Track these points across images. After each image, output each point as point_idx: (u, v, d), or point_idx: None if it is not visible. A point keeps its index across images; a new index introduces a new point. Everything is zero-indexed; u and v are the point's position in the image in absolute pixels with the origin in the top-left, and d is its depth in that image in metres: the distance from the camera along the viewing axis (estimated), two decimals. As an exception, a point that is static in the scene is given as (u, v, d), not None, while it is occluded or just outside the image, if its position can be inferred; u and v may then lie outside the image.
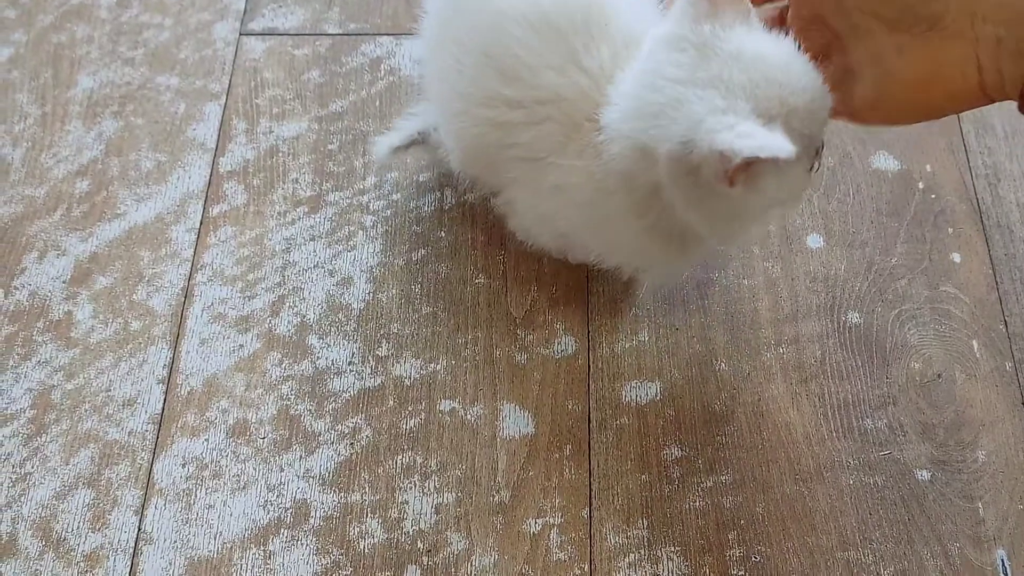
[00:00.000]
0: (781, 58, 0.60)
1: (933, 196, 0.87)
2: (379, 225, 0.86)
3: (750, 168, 0.58)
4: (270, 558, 0.72)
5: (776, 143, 0.56)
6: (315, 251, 0.85)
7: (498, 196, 0.77)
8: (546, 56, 0.66)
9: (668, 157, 0.61)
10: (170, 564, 0.72)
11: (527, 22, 0.66)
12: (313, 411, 0.78)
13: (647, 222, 0.67)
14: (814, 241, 0.85)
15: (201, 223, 0.86)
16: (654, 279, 0.80)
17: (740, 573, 0.72)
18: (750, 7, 0.62)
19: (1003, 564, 0.72)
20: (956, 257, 0.84)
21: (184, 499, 0.75)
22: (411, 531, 0.73)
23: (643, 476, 0.75)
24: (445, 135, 0.76)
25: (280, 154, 0.89)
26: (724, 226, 0.66)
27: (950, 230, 0.85)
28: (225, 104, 0.92)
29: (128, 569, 0.72)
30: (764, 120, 0.58)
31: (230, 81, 0.93)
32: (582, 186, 0.67)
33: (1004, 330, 0.81)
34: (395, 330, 0.81)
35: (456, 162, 0.76)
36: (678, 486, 0.75)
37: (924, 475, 0.75)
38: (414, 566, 0.72)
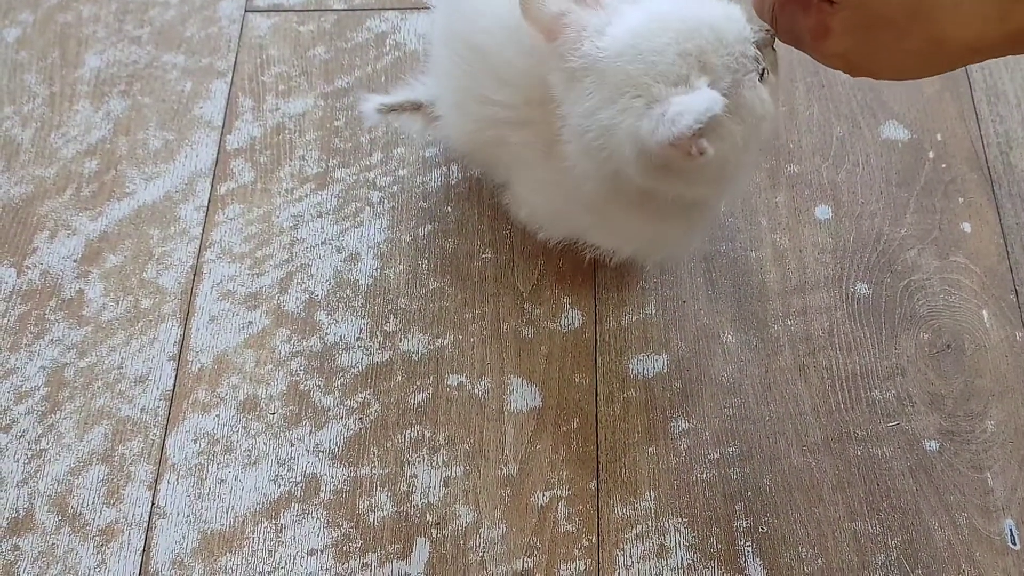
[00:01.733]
0: (655, 22, 0.59)
1: (944, 165, 0.86)
2: (386, 201, 0.86)
3: (704, 132, 0.57)
4: (281, 531, 0.73)
5: (702, 102, 0.55)
6: (322, 227, 0.85)
7: (502, 187, 0.77)
8: (534, 62, 0.65)
9: (638, 176, 0.61)
10: (184, 537, 0.73)
11: (522, 29, 0.66)
12: (322, 386, 0.78)
13: (649, 206, 0.67)
14: (822, 212, 0.84)
15: (209, 201, 0.86)
16: (668, 256, 0.79)
17: (747, 544, 0.72)
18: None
19: (1011, 533, 0.72)
20: (966, 227, 0.83)
21: (196, 474, 0.75)
22: (420, 504, 0.74)
23: (650, 448, 0.75)
24: (445, 119, 0.76)
25: (286, 131, 0.90)
26: (722, 180, 0.65)
27: (960, 199, 0.84)
28: (231, 82, 0.92)
29: (143, 543, 0.73)
30: (681, 86, 0.57)
31: (236, 58, 0.93)
32: (572, 183, 0.67)
33: (1015, 300, 0.80)
34: (402, 305, 0.81)
35: (456, 145, 0.76)
36: (685, 458, 0.75)
37: (932, 446, 0.75)
38: (423, 538, 0.73)
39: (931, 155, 0.86)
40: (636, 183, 0.63)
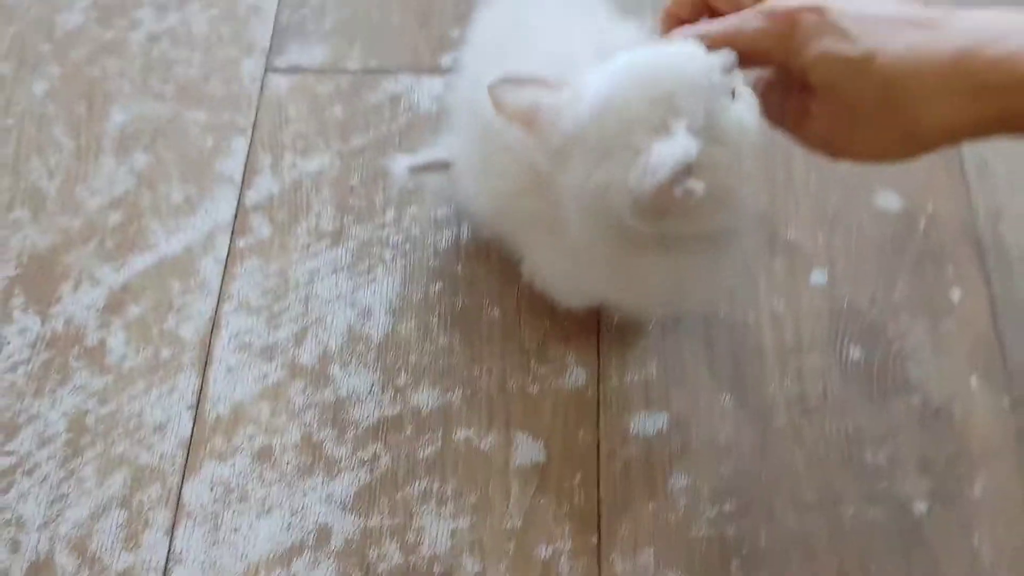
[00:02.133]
0: (618, 79, 0.62)
1: (935, 234, 0.90)
2: (398, 259, 0.89)
3: (688, 172, 0.58)
4: (293, 580, 0.76)
5: (675, 151, 0.57)
6: (337, 283, 0.88)
7: (522, 259, 0.79)
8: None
9: (643, 225, 0.63)
10: (198, 584, 0.76)
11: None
12: (335, 438, 0.81)
13: (670, 249, 0.68)
14: (818, 277, 0.88)
15: (228, 255, 0.90)
16: (701, 302, 0.81)
17: (742, 600, 0.75)
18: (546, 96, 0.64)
19: (997, 595, 0.74)
20: (956, 295, 0.87)
21: (212, 521, 0.78)
22: (427, 555, 0.76)
23: (650, 505, 0.78)
24: (462, 184, 0.79)
25: (303, 188, 0.93)
26: (729, 205, 0.65)
27: (951, 268, 0.88)
28: (251, 139, 0.96)
29: (158, 589, 0.76)
30: (663, 132, 0.59)
31: (256, 116, 0.97)
32: (585, 247, 0.70)
33: (1003, 366, 0.83)
34: (413, 360, 0.85)
35: (474, 209, 0.80)
36: (683, 515, 0.78)
37: (922, 508, 0.78)
38: (430, 589, 0.75)
39: (923, 224, 0.90)
40: (646, 232, 0.65)
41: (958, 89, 0.56)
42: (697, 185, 0.60)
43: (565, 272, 0.76)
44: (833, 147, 0.62)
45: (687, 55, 0.63)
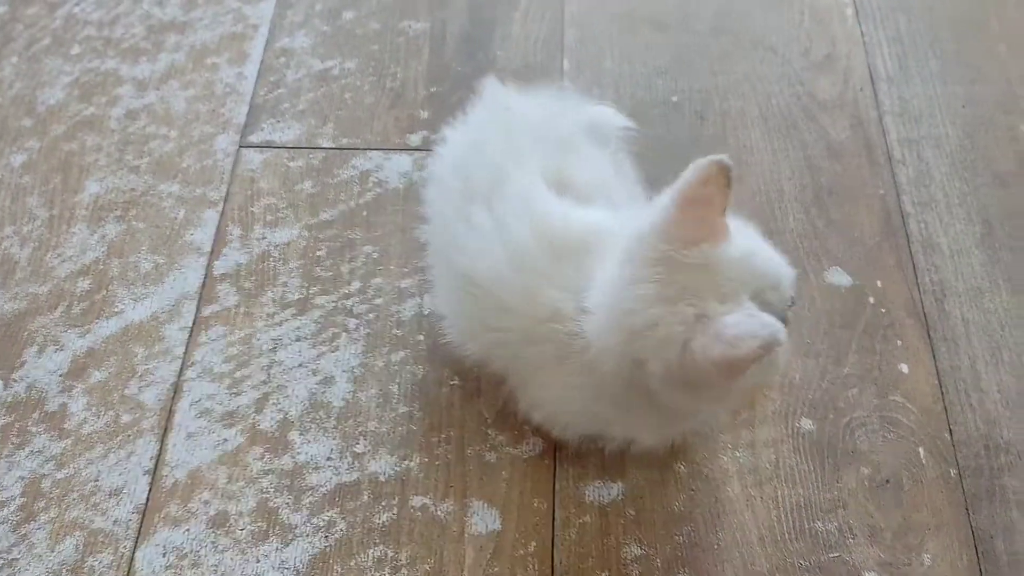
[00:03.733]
0: (744, 253, 0.66)
1: (883, 310, 0.92)
2: (362, 328, 0.91)
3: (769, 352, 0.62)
4: (243, 647, 0.75)
5: (770, 330, 0.60)
6: (300, 351, 0.90)
7: (520, 396, 0.81)
8: (527, 289, 0.72)
9: (658, 382, 0.67)
10: (146, 651, 0.75)
11: (508, 260, 0.73)
12: (291, 504, 0.82)
13: (656, 402, 0.71)
14: (771, 350, 0.90)
15: (194, 322, 0.91)
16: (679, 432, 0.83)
17: (695, 671, 0.74)
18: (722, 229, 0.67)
19: (948, 666, 0.75)
20: (904, 368, 0.89)
21: (163, 588, 0.78)
22: (380, 623, 0.76)
23: (604, 574, 0.78)
24: (455, 335, 0.81)
25: (271, 259, 0.95)
26: (727, 399, 0.73)
27: (899, 342, 0.90)
28: (222, 211, 0.98)
29: (105, 655, 0.75)
30: (730, 303, 0.64)
31: (228, 190, 1.00)
32: (586, 387, 0.73)
33: (949, 438, 0.85)
34: (372, 428, 0.85)
35: (470, 356, 0.81)
36: (637, 584, 0.78)
37: (873, 578, 0.78)
38: (381, 658, 0.75)
39: (871, 300, 0.93)
40: (650, 385, 0.68)
41: None
42: (775, 367, 0.66)
43: (569, 404, 0.77)
44: None
45: (788, 268, 0.69)
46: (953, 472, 0.83)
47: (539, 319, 0.72)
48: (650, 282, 0.66)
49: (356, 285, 0.94)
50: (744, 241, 0.67)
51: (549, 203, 0.75)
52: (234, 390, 0.87)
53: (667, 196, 0.66)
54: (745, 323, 0.62)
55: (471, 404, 0.87)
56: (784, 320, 0.67)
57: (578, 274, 0.72)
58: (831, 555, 0.79)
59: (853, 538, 0.80)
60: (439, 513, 0.81)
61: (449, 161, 0.82)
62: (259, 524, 0.81)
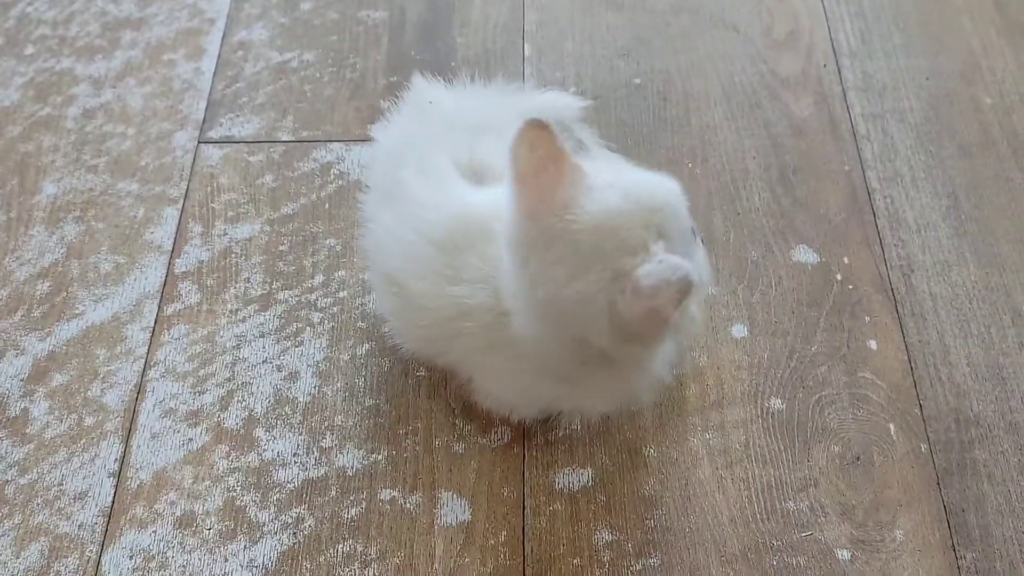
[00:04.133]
0: (628, 202, 0.63)
1: (851, 287, 0.92)
2: (326, 321, 0.90)
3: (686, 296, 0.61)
4: (212, 648, 0.74)
5: (680, 272, 0.59)
6: (264, 347, 0.89)
7: (472, 387, 0.81)
8: (441, 278, 0.71)
9: (609, 344, 0.65)
10: (114, 656, 0.74)
11: (418, 252, 0.72)
12: (258, 502, 0.81)
13: (616, 361, 0.71)
14: (738, 331, 0.89)
15: (156, 322, 0.90)
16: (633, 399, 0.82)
17: (668, 654, 0.74)
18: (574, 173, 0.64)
19: (921, 641, 0.74)
20: (873, 344, 0.88)
21: (130, 591, 0.77)
22: (350, 619, 0.75)
23: (575, 560, 0.78)
24: (394, 333, 0.81)
25: (233, 255, 0.94)
26: (668, 337, 0.72)
27: (867, 319, 0.90)
28: (182, 208, 0.97)
29: (72, 662, 0.74)
30: (641, 253, 0.62)
31: (188, 186, 0.99)
32: (526, 370, 0.72)
33: (919, 413, 0.85)
34: (339, 422, 0.85)
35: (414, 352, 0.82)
36: (609, 570, 0.77)
37: (845, 555, 0.78)
38: (352, 653, 0.74)
39: (839, 277, 0.92)
40: (600, 348, 0.67)
41: None
42: (694, 310, 0.65)
43: (517, 389, 0.77)
44: None
45: (677, 192, 0.66)
46: (924, 447, 0.83)
47: (451, 317, 0.71)
48: (553, 263, 0.64)
49: (319, 279, 0.92)
50: (611, 183, 0.64)
51: (449, 194, 0.73)
52: (198, 389, 0.86)
53: (507, 179, 0.64)
54: (656, 272, 0.60)
55: (438, 395, 0.86)
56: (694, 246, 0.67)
57: (484, 262, 0.70)
58: (803, 534, 0.79)
59: (825, 516, 0.80)
60: (408, 505, 0.80)
61: (376, 161, 0.82)
62: (226, 523, 0.80)
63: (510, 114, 0.79)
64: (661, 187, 0.66)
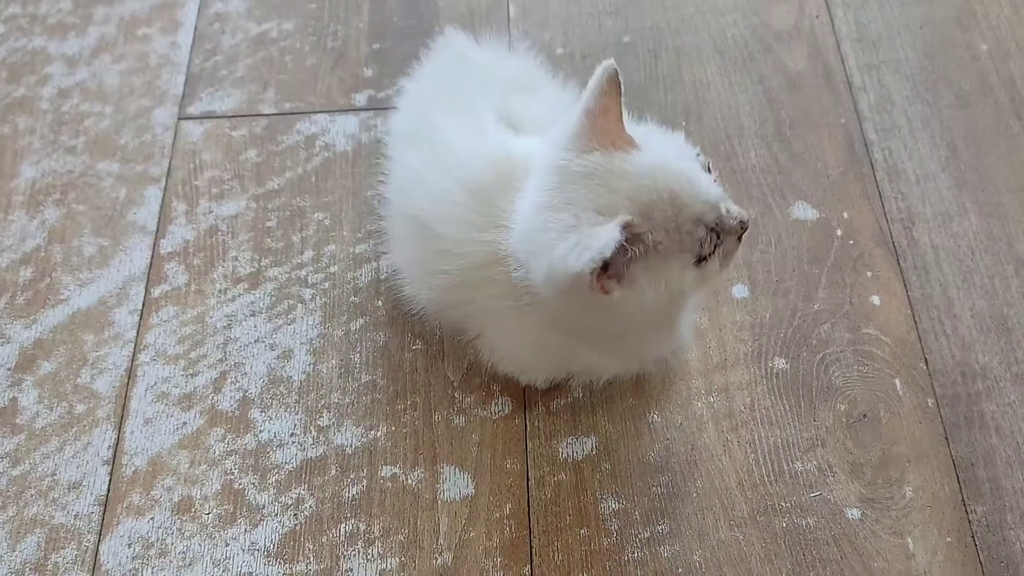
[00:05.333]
0: (639, 167, 0.62)
1: (851, 242, 0.90)
2: (318, 297, 0.88)
3: (613, 272, 0.61)
4: (216, 634, 0.73)
5: (603, 234, 0.58)
6: (256, 326, 0.87)
7: (477, 338, 0.79)
8: (470, 224, 0.69)
9: (544, 286, 0.64)
10: (117, 646, 0.73)
11: (449, 195, 0.70)
12: (257, 484, 0.79)
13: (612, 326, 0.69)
14: (739, 291, 0.88)
15: (143, 305, 0.88)
16: (651, 360, 0.81)
17: (680, 621, 0.73)
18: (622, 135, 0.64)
19: (934, 597, 0.74)
20: (876, 300, 0.87)
21: (130, 579, 0.75)
22: (356, 598, 0.74)
23: (582, 530, 0.77)
24: (411, 286, 0.78)
25: (220, 233, 0.92)
26: (648, 326, 0.70)
27: (869, 274, 0.88)
28: (165, 187, 0.95)
29: (75, 653, 0.72)
30: (606, 217, 0.60)
31: (169, 164, 0.96)
32: (539, 324, 0.70)
33: (925, 368, 0.83)
34: (335, 400, 0.83)
35: (427, 307, 0.79)
36: (616, 538, 0.76)
37: (855, 514, 0.77)
38: (359, 633, 0.73)
39: (839, 232, 0.91)
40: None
41: None
42: (616, 288, 0.61)
43: (532, 346, 0.75)
44: None
45: (702, 193, 0.63)
46: (930, 402, 0.82)
47: (480, 264, 0.69)
48: (544, 190, 0.64)
49: (309, 254, 0.90)
50: (653, 155, 0.63)
51: (486, 137, 0.72)
52: (190, 371, 0.84)
53: (579, 106, 0.65)
54: (588, 237, 0.59)
55: (436, 367, 0.84)
56: (739, 238, 0.65)
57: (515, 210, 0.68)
58: (812, 494, 0.78)
59: (833, 476, 0.79)
60: (410, 482, 0.79)
61: (405, 105, 0.81)
62: (225, 507, 0.78)
63: (540, 77, 0.79)
64: (699, 185, 0.64)
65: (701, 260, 0.64)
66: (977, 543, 0.76)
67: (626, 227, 0.59)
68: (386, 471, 0.79)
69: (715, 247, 0.64)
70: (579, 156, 0.63)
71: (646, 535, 0.76)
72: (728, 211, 0.64)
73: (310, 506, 0.78)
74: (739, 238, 0.66)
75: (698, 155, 0.66)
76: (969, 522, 0.76)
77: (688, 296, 0.68)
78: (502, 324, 0.74)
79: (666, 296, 0.64)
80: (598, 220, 0.61)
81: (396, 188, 0.78)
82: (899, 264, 0.89)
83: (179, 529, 0.77)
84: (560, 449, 0.80)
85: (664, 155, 0.63)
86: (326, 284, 0.89)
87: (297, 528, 0.77)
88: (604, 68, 0.63)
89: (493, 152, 0.70)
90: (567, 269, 0.59)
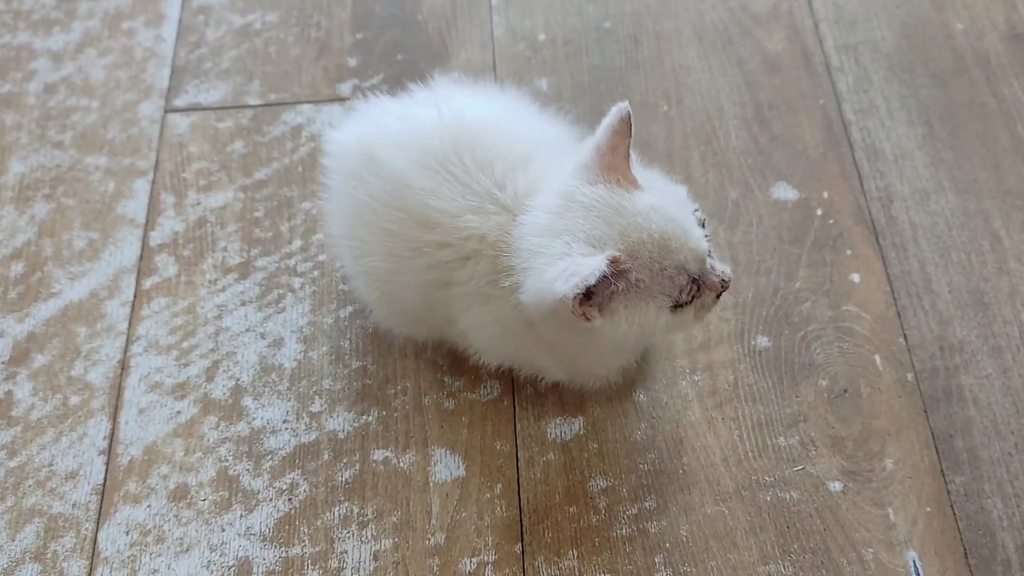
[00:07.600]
0: (636, 206, 0.65)
1: (831, 221, 0.92)
2: (307, 286, 0.89)
3: (595, 302, 0.63)
4: (215, 617, 0.74)
5: (590, 264, 0.61)
6: (246, 316, 0.88)
7: (457, 329, 0.79)
8: (459, 198, 0.70)
9: (531, 304, 0.66)
10: (117, 631, 0.74)
11: (429, 171, 0.71)
12: (251, 470, 0.81)
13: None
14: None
15: (135, 296, 0.89)
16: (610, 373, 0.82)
17: (668, 594, 0.75)
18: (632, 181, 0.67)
19: (915, 565, 0.76)
20: (855, 277, 0.89)
21: (129, 566, 0.77)
22: (351, 579, 0.76)
23: (571, 508, 0.78)
24: (381, 300, 0.79)
25: (208, 224, 0.93)
26: (622, 351, 0.74)
27: (848, 252, 0.90)
28: (153, 180, 0.96)
29: (76, 639, 0.74)
30: (595, 248, 0.64)
31: (157, 157, 0.97)
32: (523, 316, 0.70)
33: (904, 343, 0.85)
34: (327, 386, 0.84)
35: (399, 317, 0.80)
36: (605, 515, 0.78)
37: (837, 486, 0.79)
38: (355, 613, 0.75)
39: (819, 212, 0.92)
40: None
41: None
42: (597, 317, 0.64)
43: (503, 340, 0.76)
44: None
45: (691, 244, 0.66)
46: (910, 376, 0.84)
47: (465, 236, 0.70)
48: (547, 212, 0.67)
49: (297, 243, 0.91)
50: (652, 198, 0.66)
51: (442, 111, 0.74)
52: (182, 361, 0.86)
53: (591, 139, 0.68)
54: (576, 265, 0.62)
55: (425, 352, 0.85)
56: (717, 296, 0.69)
57: (500, 189, 0.71)
58: (795, 468, 0.80)
59: (815, 450, 0.81)
60: (402, 465, 0.80)
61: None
62: (221, 493, 0.80)
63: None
64: (689, 235, 0.67)
65: (678, 306, 0.67)
66: (956, 512, 0.78)
67: (613, 261, 0.63)
68: (378, 455, 0.81)
69: (693, 298, 0.68)
70: (584, 185, 0.66)
71: (634, 511, 0.78)
72: (713, 267, 0.68)
73: (304, 490, 0.80)
74: (718, 296, 0.70)
75: (696, 210, 0.69)
76: (948, 492, 0.78)
77: (655, 338, 0.71)
78: (478, 316, 0.75)
79: (638, 332, 0.67)
80: (588, 252, 0.64)
81: (357, 192, 0.76)
82: (878, 242, 0.90)
83: (176, 516, 0.79)
84: (549, 430, 0.82)
85: (663, 201, 0.67)
86: (315, 273, 0.90)
87: (292, 512, 0.79)
88: (618, 109, 0.66)
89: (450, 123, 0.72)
90: (553, 293, 0.62)
